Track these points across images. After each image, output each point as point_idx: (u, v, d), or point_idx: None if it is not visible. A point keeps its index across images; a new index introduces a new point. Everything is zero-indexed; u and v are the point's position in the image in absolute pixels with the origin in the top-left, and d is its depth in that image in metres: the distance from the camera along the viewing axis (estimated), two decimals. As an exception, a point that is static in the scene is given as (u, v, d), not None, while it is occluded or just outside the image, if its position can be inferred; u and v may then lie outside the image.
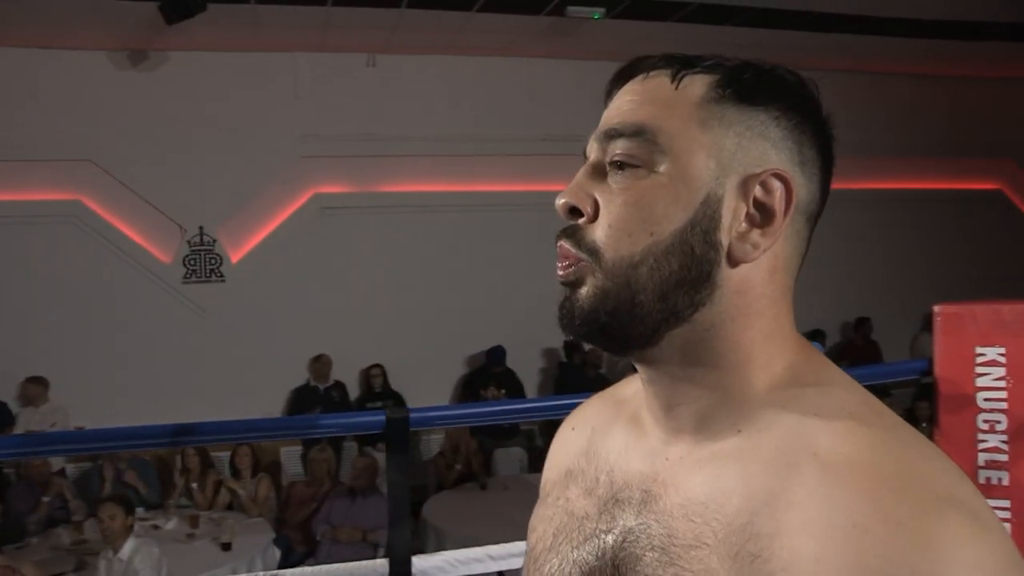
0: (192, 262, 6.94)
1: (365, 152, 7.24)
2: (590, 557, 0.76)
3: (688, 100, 0.70)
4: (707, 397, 0.71)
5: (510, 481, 5.79)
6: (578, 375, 7.24)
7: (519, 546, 2.06)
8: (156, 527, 5.04)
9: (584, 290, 0.71)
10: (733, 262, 0.69)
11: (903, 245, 8.59)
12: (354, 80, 7.24)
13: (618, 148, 0.71)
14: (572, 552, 0.78)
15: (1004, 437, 2.09)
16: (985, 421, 2.12)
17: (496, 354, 7.26)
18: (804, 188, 0.71)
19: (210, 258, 6.97)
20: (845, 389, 0.69)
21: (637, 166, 0.70)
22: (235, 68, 6.96)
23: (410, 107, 7.34)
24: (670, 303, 0.69)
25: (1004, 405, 2.10)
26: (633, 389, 0.84)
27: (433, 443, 6.73)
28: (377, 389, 7.01)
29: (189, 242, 6.91)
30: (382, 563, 1.96)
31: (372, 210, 7.33)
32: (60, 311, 6.64)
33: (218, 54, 6.88)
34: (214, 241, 6.96)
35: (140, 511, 5.26)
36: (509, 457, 6.55)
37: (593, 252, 0.70)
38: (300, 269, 7.17)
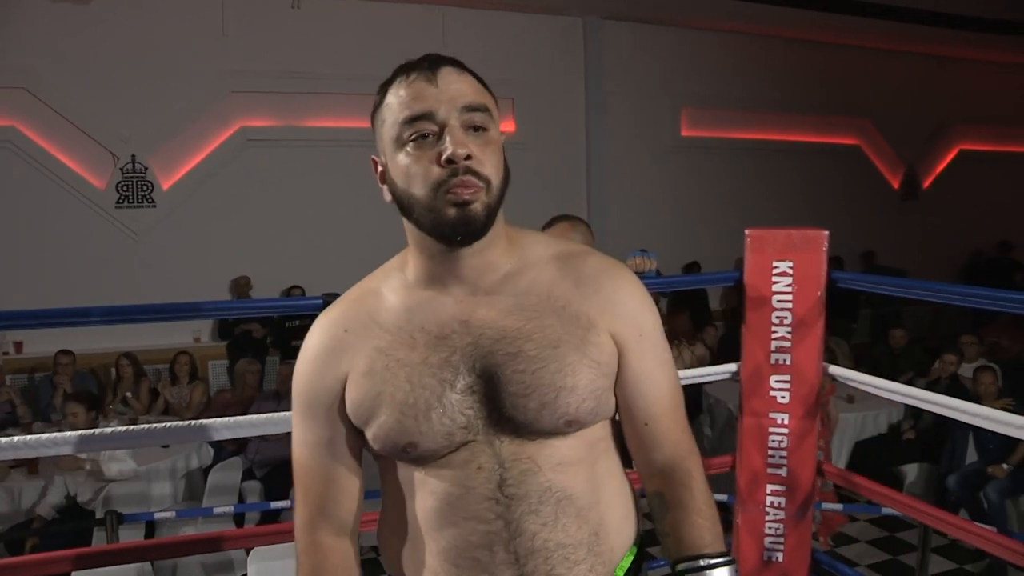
0: (125, 188, 7.30)
1: (288, 89, 7.67)
2: (445, 372, 1.15)
3: (485, 89, 1.16)
4: (492, 258, 1.19)
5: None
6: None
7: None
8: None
9: (477, 206, 1.10)
10: None
11: (778, 188, 9.54)
12: (279, 20, 7.61)
13: (477, 118, 1.11)
14: (429, 379, 1.15)
15: (789, 329, 2.59)
16: (777, 317, 2.61)
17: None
18: None
19: (142, 185, 7.34)
20: (535, 233, 1.29)
21: (488, 130, 1.13)
22: (167, 4, 7.25)
23: (332, 48, 7.77)
24: (499, 208, 1.15)
25: (790, 305, 2.60)
26: (382, 286, 1.25)
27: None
28: (297, 309, 7.56)
29: (122, 169, 7.26)
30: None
31: (294, 143, 7.79)
32: (-5, 233, 6.93)
33: (149, -9, 7.19)
34: (146, 169, 7.34)
35: (81, 415, 5.83)
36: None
37: (487, 181, 1.11)
38: (227, 196, 7.60)
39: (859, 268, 9.70)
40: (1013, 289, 4.66)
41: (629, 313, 1.22)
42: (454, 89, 1.11)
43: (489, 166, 1.11)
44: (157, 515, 4.13)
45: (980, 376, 5.09)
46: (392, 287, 1.23)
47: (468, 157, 1.09)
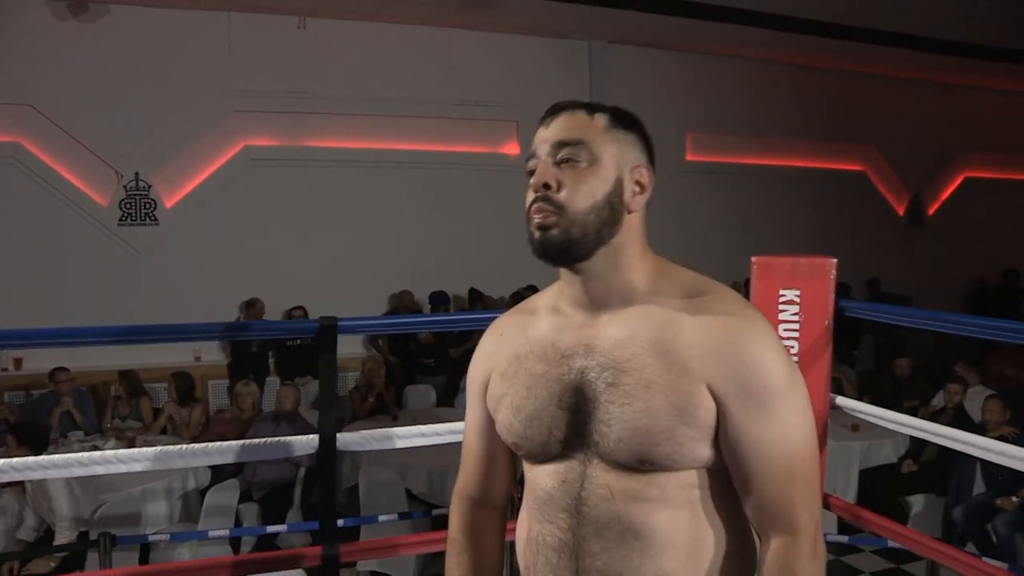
0: (128, 206, 7.29)
1: (293, 109, 7.67)
2: (556, 387, 1.27)
3: (599, 126, 1.26)
4: (616, 286, 1.27)
5: (419, 413, 6.38)
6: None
7: (419, 429, 2.64)
8: (95, 447, 5.52)
9: (554, 231, 1.21)
10: (628, 212, 1.26)
11: (783, 213, 9.51)
12: (285, 40, 7.64)
13: (566, 152, 1.23)
14: (543, 391, 1.28)
15: (795, 359, 2.50)
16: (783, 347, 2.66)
17: (437, 298, 7.89)
18: (652, 173, 1.30)
19: (145, 202, 7.34)
20: (683, 269, 1.31)
21: (579, 162, 1.23)
22: (172, 23, 7.28)
23: (336, 69, 7.78)
24: (602, 234, 1.23)
25: (797, 334, 2.57)
26: (540, 302, 1.39)
27: (350, 379, 7.30)
28: (298, 330, 7.52)
29: (125, 187, 7.25)
30: (313, 437, 2.51)
31: (297, 163, 7.79)
32: (-2, 249, 6.93)
33: (156, 9, 7.20)
34: (149, 187, 7.33)
35: (79, 434, 5.76)
36: (418, 393, 7.18)
37: (559, 208, 1.21)
38: (230, 216, 7.60)
39: (864, 295, 9.65)
40: (1020, 318, 4.61)
41: (736, 367, 1.19)
42: (554, 131, 1.26)
43: (569, 195, 1.22)
44: (151, 538, 4.07)
45: (988, 404, 5.02)
46: (546, 304, 1.37)
47: (546, 186, 1.22)
